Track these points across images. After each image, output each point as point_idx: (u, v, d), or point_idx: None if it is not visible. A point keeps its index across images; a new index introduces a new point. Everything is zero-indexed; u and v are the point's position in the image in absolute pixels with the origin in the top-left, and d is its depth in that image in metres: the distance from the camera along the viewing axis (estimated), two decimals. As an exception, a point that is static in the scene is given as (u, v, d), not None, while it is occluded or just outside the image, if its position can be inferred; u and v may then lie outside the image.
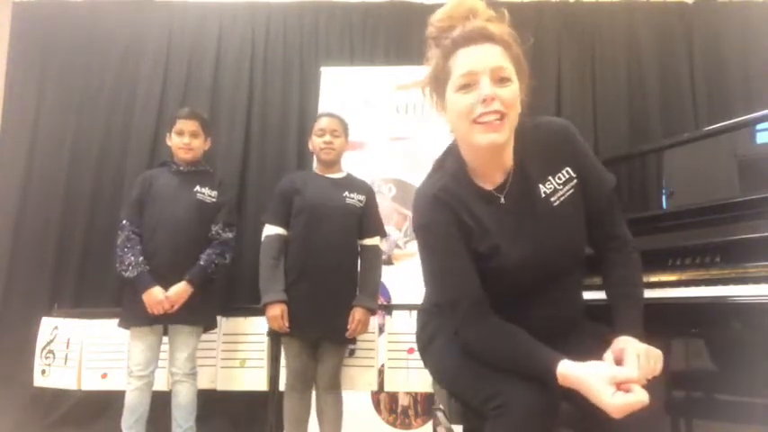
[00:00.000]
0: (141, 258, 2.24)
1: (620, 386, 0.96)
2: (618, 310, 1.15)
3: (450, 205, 1.14)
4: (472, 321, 1.12)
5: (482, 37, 1.09)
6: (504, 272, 1.13)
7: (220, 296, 2.64)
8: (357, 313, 2.10)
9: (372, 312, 2.19)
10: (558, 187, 1.17)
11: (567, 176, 1.18)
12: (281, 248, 2.17)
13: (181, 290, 2.22)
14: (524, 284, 1.15)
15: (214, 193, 2.39)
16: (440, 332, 1.28)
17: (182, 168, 2.40)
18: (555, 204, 1.16)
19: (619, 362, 1.02)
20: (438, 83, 1.15)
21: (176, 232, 2.28)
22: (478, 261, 1.14)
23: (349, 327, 2.10)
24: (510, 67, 1.09)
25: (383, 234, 2.31)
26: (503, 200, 1.16)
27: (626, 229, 1.24)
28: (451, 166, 1.21)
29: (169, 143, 2.44)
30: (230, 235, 2.40)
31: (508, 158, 1.17)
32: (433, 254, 1.17)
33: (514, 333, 1.08)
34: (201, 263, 2.27)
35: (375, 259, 2.24)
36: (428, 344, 1.32)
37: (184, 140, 2.37)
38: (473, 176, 1.19)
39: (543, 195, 1.16)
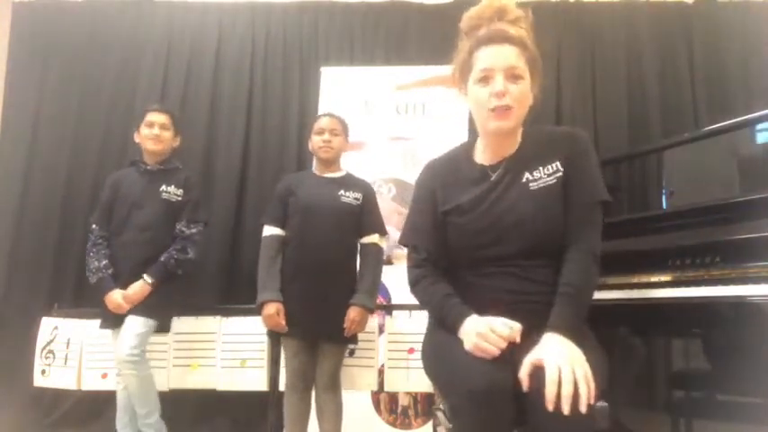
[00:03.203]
0: (104, 263, 2.25)
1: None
2: (554, 308, 1.22)
3: (434, 176, 1.42)
4: (422, 266, 1.38)
5: (501, 38, 1.27)
6: (464, 229, 1.32)
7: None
8: (351, 312, 2.09)
9: (370, 311, 2.17)
10: (542, 176, 1.30)
11: (554, 169, 1.30)
12: (279, 249, 2.17)
13: (138, 288, 2.21)
14: (484, 248, 1.29)
15: (180, 191, 2.36)
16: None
17: (149, 168, 2.38)
18: (531, 188, 1.29)
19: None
20: (463, 72, 1.34)
21: (142, 233, 2.27)
22: (446, 220, 1.35)
23: (345, 326, 2.09)
24: (523, 66, 1.26)
25: (383, 232, 2.29)
26: (493, 177, 1.34)
27: (594, 244, 1.28)
28: (459, 148, 1.46)
29: (137, 139, 2.41)
30: (194, 230, 2.35)
31: (514, 143, 1.35)
32: (415, 206, 1.45)
33: (443, 287, 1.32)
34: (162, 259, 2.25)
35: (373, 257, 2.22)
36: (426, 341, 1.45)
37: (154, 131, 2.35)
38: (480, 152, 1.39)
39: (524, 180, 1.31)
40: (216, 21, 3.37)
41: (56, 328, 2.65)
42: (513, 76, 1.25)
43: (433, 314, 1.35)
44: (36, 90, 3.32)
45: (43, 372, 2.63)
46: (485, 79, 1.27)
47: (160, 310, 2.29)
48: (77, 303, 2.96)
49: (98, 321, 2.52)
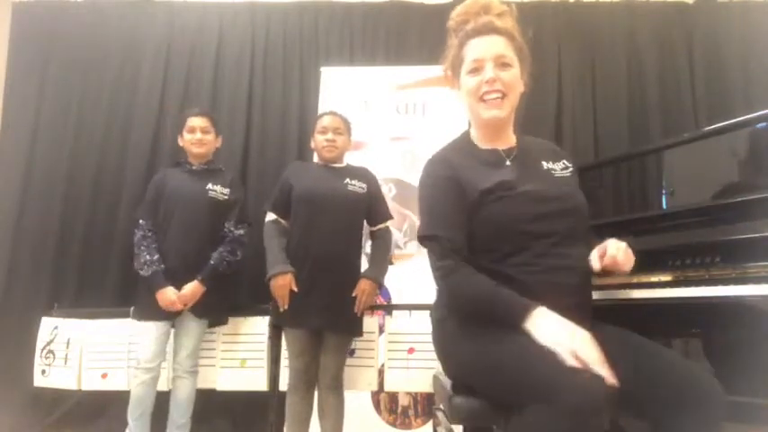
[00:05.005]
0: (156, 257, 2.28)
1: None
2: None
3: (451, 166, 1.32)
4: (453, 257, 1.25)
5: (489, 30, 1.32)
6: (518, 200, 1.26)
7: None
8: (362, 283, 2.10)
9: (379, 286, 2.18)
10: (557, 169, 1.37)
11: (565, 165, 1.38)
12: (283, 231, 2.19)
13: (193, 289, 2.26)
14: (534, 221, 1.25)
15: (226, 191, 2.42)
16: (450, 316, 1.32)
17: (194, 167, 2.44)
18: (555, 175, 1.36)
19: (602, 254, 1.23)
20: (454, 67, 1.39)
21: (189, 230, 2.31)
22: (488, 199, 1.26)
23: (354, 294, 2.10)
24: (511, 54, 1.32)
25: (391, 216, 2.33)
26: (508, 162, 1.35)
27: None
28: (457, 142, 1.43)
29: (181, 143, 2.48)
30: (242, 231, 2.43)
31: (511, 136, 1.40)
32: (434, 198, 1.32)
33: (485, 278, 1.21)
34: (212, 262, 2.31)
35: (385, 240, 2.27)
36: (442, 331, 1.36)
37: (197, 136, 2.41)
38: (478, 141, 1.40)
39: (546, 168, 1.36)
40: (216, 21, 3.37)
41: (56, 328, 2.65)
42: (502, 65, 1.30)
43: (478, 306, 1.22)
44: (36, 90, 3.32)
45: (43, 372, 2.63)
46: (476, 70, 1.31)
47: (213, 310, 2.38)
48: (77, 303, 2.96)
49: (98, 321, 2.55)
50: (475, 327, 1.23)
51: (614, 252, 1.22)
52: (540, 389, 1.02)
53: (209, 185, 2.39)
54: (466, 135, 1.43)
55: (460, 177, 1.29)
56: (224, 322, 2.50)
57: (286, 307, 2.08)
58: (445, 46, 1.44)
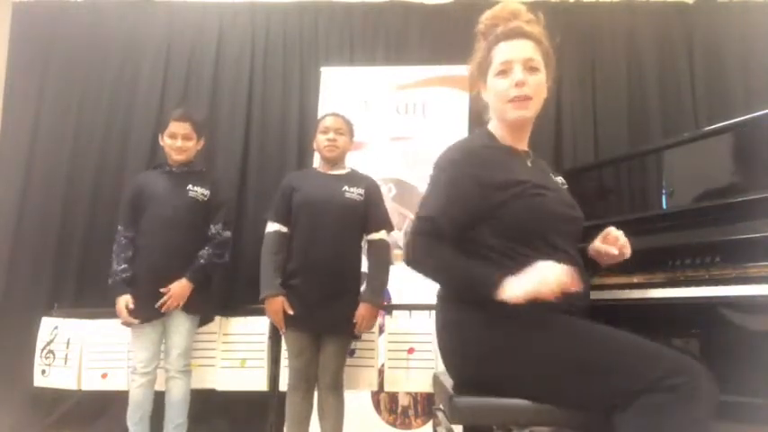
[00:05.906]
0: (122, 267, 2.30)
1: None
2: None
3: (473, 162, 1.31)
4: (442, 238, 1.26)
5: (518, 34, 1.36)
6: (548, 206, 1.29)
7: (220, 293, 2.63)
8: (362, 308, 2.12)
9: (378, 307, 2.19)
10: (558, 181, 1.45)
11: (563, 181, 1.47)
12: (282, 243, 2.19)
13: (182, 286, 2.26)
14: (566, 228, 1.32)
15: (207, 192, 2.41)
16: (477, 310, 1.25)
17: (174, 169, 2.42)
18: (564, 188, 1.44)
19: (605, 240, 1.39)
20: (482, 69, 1.41)
21: (171, 231, 2.31)
22: (525, 192, 1.27)
23: (355, 321, 2.11)
24: (539, 59, 1.36)
25: (389, 227, 2.29)
26: (529, 163, 1.40)
27: None
28: (480, 134, 1.45)
29: (162, 144, 2.46)
30: (229, 234, 2.44)
31: (525, 139, 1.44)
32: (449, 181, 1.31)
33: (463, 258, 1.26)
34: (202, 261, 2.31)
35: (381, 254, 2.23)
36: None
37: (177, 143, 2.39)
38: (500, 139, 1.42)
39: (555, 178, 1.44)
40: (216, 21, 3.37)
41: (56, 328, 2.65)
42: (530, 68, 1.33)
43: (453, 281, 1.28)
44: (36, 90, 3.32)
45: (43, 372, 2.63)
46: (504, 72, 1.34)
47: (202, 306, 2.38)
48: (77, 303, 2.96)
49: (98, 321, 2.56)
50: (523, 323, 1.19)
51: (617, 233, 1.37)
52: (644, 379, 1.08)
53: (189, 186, 2.39)
54: (487, 131, 1.44)
55: (483, 174, 1.28)
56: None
57: (284, 330, 2.14)
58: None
